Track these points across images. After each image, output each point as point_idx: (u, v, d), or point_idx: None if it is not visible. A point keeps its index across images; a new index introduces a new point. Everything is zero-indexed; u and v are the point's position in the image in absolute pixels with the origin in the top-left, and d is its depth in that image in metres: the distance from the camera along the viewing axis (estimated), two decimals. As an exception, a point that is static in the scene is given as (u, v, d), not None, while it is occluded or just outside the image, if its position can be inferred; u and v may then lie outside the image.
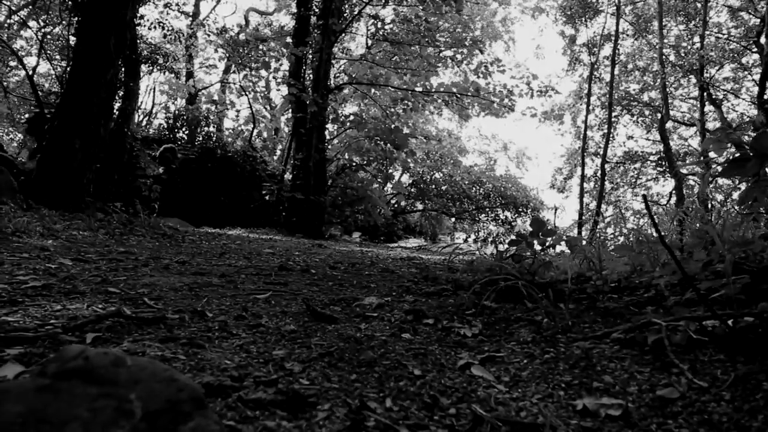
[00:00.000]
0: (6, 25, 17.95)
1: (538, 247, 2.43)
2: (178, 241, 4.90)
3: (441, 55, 16.22)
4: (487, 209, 20.97)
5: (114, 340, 1.30)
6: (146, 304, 1.74)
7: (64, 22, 11.04)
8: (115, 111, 9.92)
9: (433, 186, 19.21)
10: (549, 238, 2.30)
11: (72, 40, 11.17)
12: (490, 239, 21.86)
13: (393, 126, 14.30)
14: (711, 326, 1.25)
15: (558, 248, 2.85)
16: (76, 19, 9.54)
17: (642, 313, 1.61)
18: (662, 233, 1.67)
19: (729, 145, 1.80)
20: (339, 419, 0.91)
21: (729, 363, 1.11)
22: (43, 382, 0.61)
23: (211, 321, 1.58)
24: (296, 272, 2.80)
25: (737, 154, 1.71)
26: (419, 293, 2.38)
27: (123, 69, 10.04)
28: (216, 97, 17.83)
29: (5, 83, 14.03)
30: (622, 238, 4.05)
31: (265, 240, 7.05)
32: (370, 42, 15.93)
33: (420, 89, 13.94)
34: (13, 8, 14.87)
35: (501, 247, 2.64)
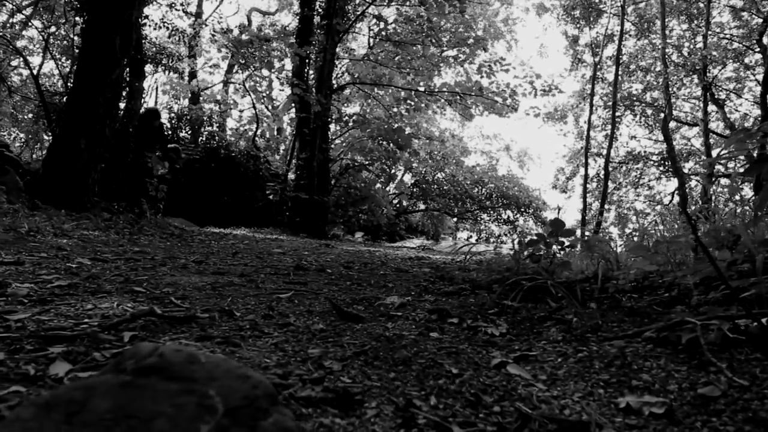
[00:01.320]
0: (8, 24, 17.95)
1: (555, 248, 2.44)
2: (187, 241, 4.91)
3: (444, 54, 16.23)
4: (489, 209, 20.98)
5: (150, 339, 1.31)
6: (173, 303, 1.75)
7: (69, 21, 11.04)
8: (120, 111, 9.91)
9: (436, 186, 19.22)
10: (568, 239, 2.31)
11: (77, 40, 11.18)
12: (492, 239, 21.90)
13: (396, 126, 14.32)
14: (744, 325, 1.26)
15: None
16: (81, 19, 9.54)
17: (668, 312, 1.62)
18: (697, 234, 1.69)
19: (751, 145, 1.81)
20: (389, 417, 0.92)
21: (767, 362, 1.12)
22: (125, 379, 0.62)
23: (241, 320, 1.59)
24: (312, 272, 2.81)
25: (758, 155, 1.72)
26: (438, 293, 2.39)
27: (127, 69, 10.04)
28: (219, 97, 17.84)
29: (9, 83, 14.03)
30: (627, 239, 4.06)
31: (272, 240, 7.06)
32: (372, 42, 15.95)
33: (423, 89, 13.94)
34: (16, 8, 14.86)
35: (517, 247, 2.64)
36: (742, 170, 1.81)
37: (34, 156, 17.43)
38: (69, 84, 10.73)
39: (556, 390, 1.10)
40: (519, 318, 1.79)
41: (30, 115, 18.23)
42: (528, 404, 1.01)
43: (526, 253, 2.45)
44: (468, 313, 1.91)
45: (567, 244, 2.32)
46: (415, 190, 19.83)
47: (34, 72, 10.53)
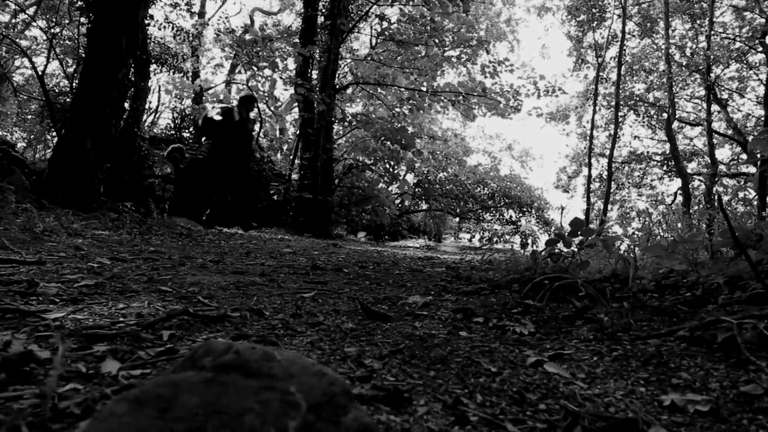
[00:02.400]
0: (11, 24, 17.96)
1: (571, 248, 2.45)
2: (198, 240, 4.93)
3: (446, 54, 16.23)
4: (492, 209, 20.99)
5: (188, 337, 1.32)
6: (202, 303, 1.76)
7: (73, 22, 11.05)
8: (125, 110, 9.92)
9: (438, 186, 19.24)
10: (587, 238, 2.32)
11: (82, 40, 11.19)
12: (494, 239, 21.89)
13: (399, 126, 14.33)
14: (779, 324, 1.27)
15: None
16: (87, 19, 9.56)
17: (695, 311, 1.63)
18: (735, 235, 1.69)
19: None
20: (439, 414, 0.93)
21: (805, 360, 1.13)
22: (207, 376, 0.63)
23: (271, 319, 1.60)
24: (330, 272, 2.82)
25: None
26: (457, 292, 2.40)
27: (133, 68, 10.06)
28: (222, 97, 17.85)
29: (14, 83, 14.04)
30: (630, 239, 4.06)
31: (279, 240, 7.07)
32: (375, 42, 15.95)
33: (426, 89, 13.95)
34: (19, 7, 14.86)
35: (535, 247, 2.66)
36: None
37: (37, 156, 17.44)
38: (74, 84, 10.74)
39: (596, 388, 1.11)
40: (544, 317, 1.80)
41: (31, 116, 18.24)
42: (572, 402, 1.02)
43: (544, 252, 2.46)
44: (492, 312, 1.92)
45: (586, 243, 2.33)
46: (417, 189, 19.85)
47: (39, 72, 10.53)
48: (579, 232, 2.30)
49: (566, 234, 2.32)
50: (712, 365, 1.18)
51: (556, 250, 2.34)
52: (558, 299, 2.08)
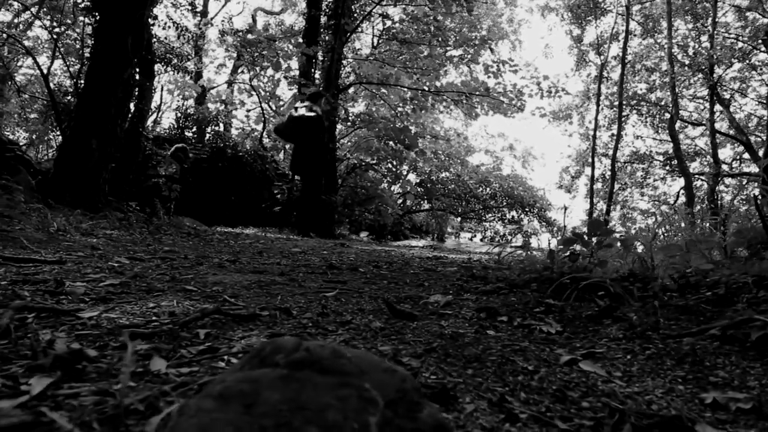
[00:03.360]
0: (13, 24, 17.97)
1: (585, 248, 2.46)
2: (207, 240, 4.94)
3: (449, 54, 16.25)
4: (494, 209, 21.01)
5: (224, 336, 1.33)
6: (228, 302, 1.77)
7: (77, 23, 11.06)
8: (130, 110, 9.94)
9: (440, 185, 19.25)
10: (606, 238, 2.33)
11: (86, 40, 11.20)
12: (497, 238, 21.92)
13: (402, 126, 14.35)
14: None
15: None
16: (93, 18, 9.56)
17: (722, 310, 1.64)
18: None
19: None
20: (487, 411, 0.94)
21: (842, 358, 1.14)
22: (282, 372, 0.64)
23: (300, 318, 1.61)
24: (346, 271, 2.83)
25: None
26: (476, 291, 2.41)
27: (138, 68, 10.06)
28: (224, 97, 17.87)
29: (18, 83, 14.06)
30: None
31: (286, 239, 7.08)
32: (377, 41, 15.97)
33: (430, 88, 13.97)
34: (23, 6, 14.88)
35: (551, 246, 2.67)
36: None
37: (39, 156, 17.46)
38: (79, 84, 10.75)
39: (635, 386, 1.12)
40: (568, 316, 1.81)
41: (34, 115, 18.25)
42: (614, 400, 1.03)
43: (560, 252, 2.47)
44: (515, 311, 1.93)
45: (605, 243, 2.34)
46: (419, 189, 19.87)
47: (45, 72, 10.54)
48: (597, 232, 2.31)
49: (584, 234, 2.33)
50: (747, 364, 1.19)
51: (575, 250, 2.35)
52: (578, 298, 2.09)
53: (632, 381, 1.16)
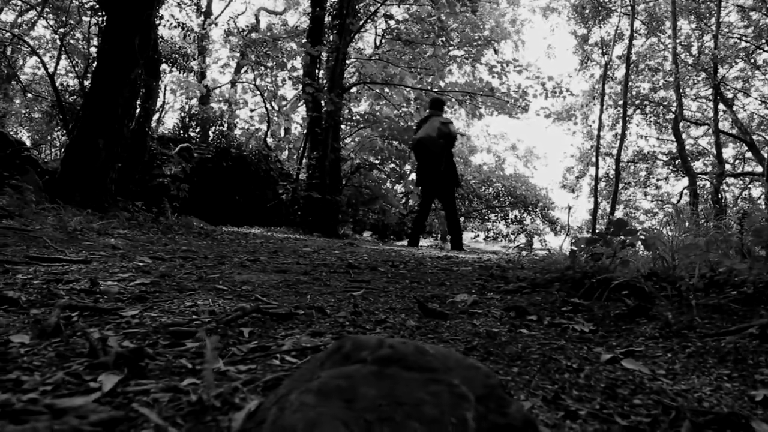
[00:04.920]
0: (17, 23, 17.99)
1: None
2: (219, 240, 4.95)
3: (452, 54, 16.25)
4: (497, 208, 21.03)
5: (267, 334, 1.34)
6: (261, 301, 1.78)
7: (82, 22, 11.08)
8: (137, 110, 9.95)
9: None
10: (628, 238, 2.34)
11: (92, 40, 11.22)
12: (499, 238, 21.95)
13: (406, 125, 14.36)
14: None
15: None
16: (100, 19, 9.58)
17: (752, 309, 1.65)
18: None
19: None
20: (544, 408, 0.95)
21: None
22: (372, 369, 0.65)
23: (335, 317, 1.62)
24: (366, 270, 2.84)
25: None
26: (498, 291, 2.42)
27: (143, 68, 10.07)
28: (228, 96, 17.88)
29: (23, 83, 14.07)
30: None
31: (294, 239, 7.10)
32: (380, 41, 15.97)
33: (435, 88, 13.98)
34: (28, 5, 14.89)
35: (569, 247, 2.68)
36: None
37: (43, 155, 17.48)
38: (85, 83, 10.77)
39: (681, 384, 1.13)
40: (598, 316, 1.83)
41: (38, 115, 18.27)
42: (665, 397, 1.05)
43: (584, 252, 2.48)
44: (543, 310, 1.94)
45: (628, 243, 2.35)
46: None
47: (50, 72, 10.56)
48: (620, 232, 2.33)
49: (607, 234, 2.34)
50: (790, 362, 1.20)
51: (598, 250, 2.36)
52: (602, 297, 2.10)
53: (677, 379, 1.17)
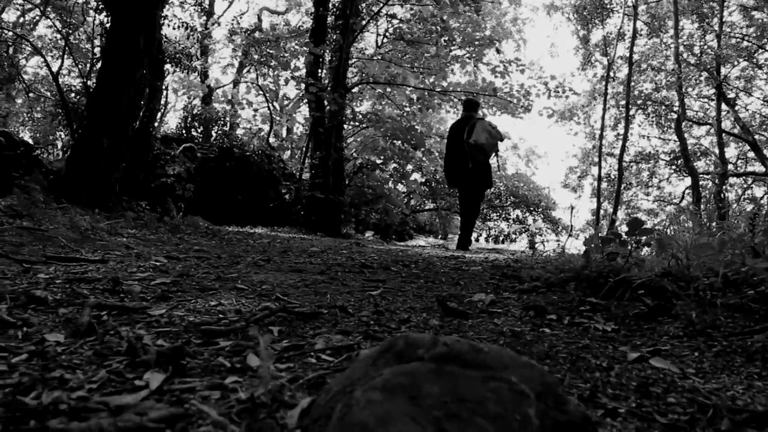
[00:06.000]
0: (18, 23, 18.00)
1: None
2: (227, 239, 4.96)
3: (455, 54, 16.25)
4: (498, 208, 21.04)
5: (295, 333, 1.35)
6: (282, 300, 1.79)
7: (88, 20, 11.08)
8: (141, 110, 9.95)
9: (446, 185, 19.26)
10: (644, 237, 2.35)
11: (96, 40, 11.22)
12: (501, 237, 21.96)
13: (408, 125, 14.38)
14: None
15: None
16: (106, 18, 9.58)
17: (774, 309, 1.66)
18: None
19: None
20: (583, 407, 0.96)
21: None
22: (431, 367, 0.66)
23: (358, 316, 1.63)
24: (379, 270, 2.85)
25: None
26: (514, 290, 2.43)
27: (148, 68, 10.08)
28: (231, 96, 17.89)
29: (26, 83, 14.08)
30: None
31: (300, 239, 7.11)
32: (381, 41, 15.99)
33: (438, 88, 13.99)
34: (31, 4, 14.88)
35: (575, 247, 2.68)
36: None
37: (45, 155, 17.48)
38: (89, 83, 10.77)
39: (712, 383, 1.14)
40: (618, 315, 1.84)
41: (39, 115, 18.27)
42: (698, 395, 1.05)
43: (599, 252, 2.49)
44: (562, 310, 1.95)
45: (644, 243, 2.36)
46: (424, 189, 19.89)
47: (53, 70, 10.57)
48: (636, 232, 2.33)
49: (624, 233, 2.35)
50: (819, 360, 1.21)
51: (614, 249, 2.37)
52: (622, 297, 2.11)
53: (707, 378, 1.18)
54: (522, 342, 1.43)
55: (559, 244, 3.35)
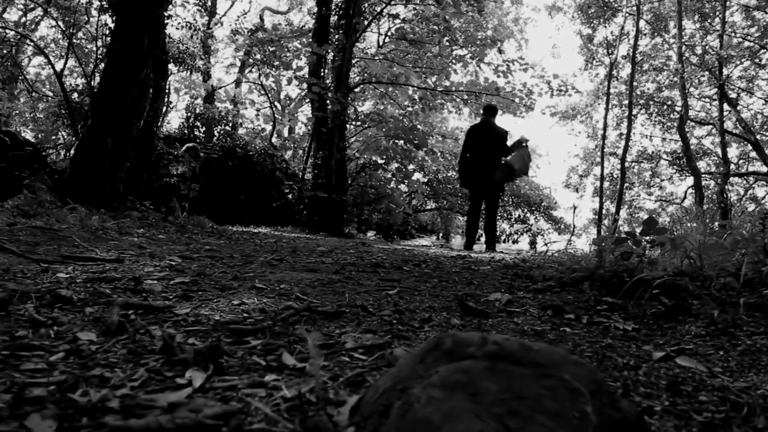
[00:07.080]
0: (20, 23, 18.00)
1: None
2: (235, 239, 4.97)
3: (457, 53, 16.25)
4: (500, 208, 21.04)
5: (322, 332, 1.36)
6: (301, 299, 1.80)
7: (92, 20, 11.09)
8: (145, 110, 9.96)
9: (450, 185, 19.30)
10: (658, 237, 2.36)
11: (99, 40, 11.23)
12: (503, 237, 21.95)
13: (411, 125, 14.38)
14: None
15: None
16: (111, 18, 9.59)
17: (794, 308, 1.67)
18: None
19: None
20: (617, 405, 0.97)
21: None
22: (485, 364, 0.67)
23: (379, 315, 1.64)
24: (392, 270, 2.86)
25: None
26: (528, 290, 2.44)
27: (152, 68, 10.08)
28: (233, 96, 17.89)
29: (29, 84, 14.09)
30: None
31: (305, 238, 7.11)
32: (383, 41, 15.99)
33: (440, 88, 14.00)
34: (34, 3, 14.89)
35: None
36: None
37: (50, 155, 17.48)
38: (93, 83, 10.78)
39: (741, 381, 1.15)
40: (635, 314, 1.84)
41: (42, 115, 18.28)
42: (729, 394, 1.06)
43: (612, 251, 2.50)
44: (579, 309, 1.96)
45: (658, 242, 2.36)
46: (426, 188, 19.90)
47: (57, 70, 10.58)
48: (651, 232, 2.34)
49: (638, 233, 2.35)
50: None
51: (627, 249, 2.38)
52: (643, 297, 2.11)
53: (735, 376, 1.18)
54: (546, 341, 1.43)
55: (566, 245, 3.36)
